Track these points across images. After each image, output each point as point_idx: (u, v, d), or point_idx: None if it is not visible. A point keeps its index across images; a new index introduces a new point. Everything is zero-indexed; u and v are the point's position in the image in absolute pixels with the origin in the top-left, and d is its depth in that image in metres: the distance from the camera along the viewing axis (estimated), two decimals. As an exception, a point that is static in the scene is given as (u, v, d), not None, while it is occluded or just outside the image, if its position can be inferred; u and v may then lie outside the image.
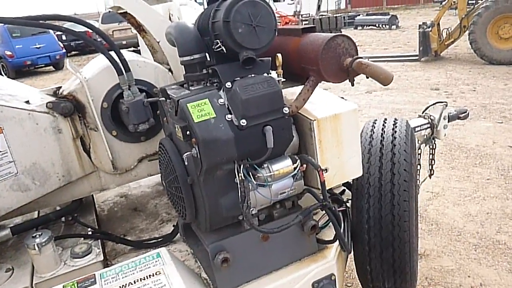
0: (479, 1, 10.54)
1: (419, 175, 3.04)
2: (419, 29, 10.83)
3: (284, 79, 1.67)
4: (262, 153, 1.40)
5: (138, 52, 2.68)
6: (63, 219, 2.12)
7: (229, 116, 1.38)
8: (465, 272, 3.00)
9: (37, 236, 1.69)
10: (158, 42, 2.04)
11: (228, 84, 1.41)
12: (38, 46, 16.86)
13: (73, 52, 22.18)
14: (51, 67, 17.95)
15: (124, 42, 17.12)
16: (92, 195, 2.45)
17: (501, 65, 9.60)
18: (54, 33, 18.35)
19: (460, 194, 4.11)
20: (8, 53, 16.29)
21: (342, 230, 1.70)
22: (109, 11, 20.89)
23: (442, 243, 3.35)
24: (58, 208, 2.16)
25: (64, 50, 17.99)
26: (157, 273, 1.49)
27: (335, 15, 22.57)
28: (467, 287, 2.85)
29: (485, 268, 3.02)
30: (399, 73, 10.00)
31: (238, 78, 1.44)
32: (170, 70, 2.10)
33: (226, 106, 1.40)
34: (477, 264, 3.06)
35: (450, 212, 3.79)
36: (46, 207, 2.08)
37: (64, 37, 21.30)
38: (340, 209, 1.96)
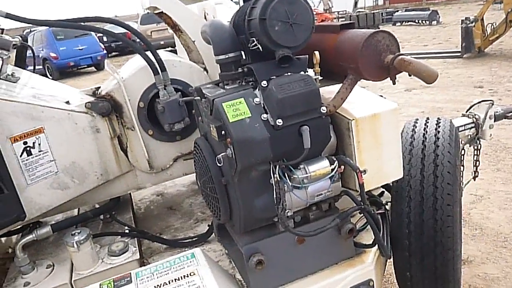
0: (527, -6, 10.00)
1: (462, 177, 2.90)
2: (461, 24, 10.42)
3: (322, 78, 1.61)
4: (298, 153, 1.36)
5: (175, 52, 2.69)
6: (101, 217, 2.17)
7: (265, 115, 1.35)
8: (511, 281, 2.83)
9: (76, 234, 1.73)
10: (194, 42, 2.04)
11: (264, 83, 1.37)
12: (80, 47, 17.50)
13: (113, 53, 22.84)
14: (93, 67, 18.58)
15: (162, 42, 17.45)
16: (130, 194, 2.49)
17: (550, 61, 9.08)
18: (96, 34, 18.99)
19: (506, 198, 3.90)
20: (53, 55, 16.99)
21: (381, 234, 1.64)
22: (147, 13, 21.40)
23: (487, 249, 3.19)
24: (96, 206, 2.21)
25: (105, 51, 18.57)
26: (192, 274, 1.48)
27: (372, 12, 22.14)
28: (514, 297, 2.71)
29: (534, 277, 2.85)
30: (440, 70, 9.60)
31: (274, 77, 1.40)
32: (205, 69, 2.09)
33: (262, 105, 1.37)
34: (525, 273, 2.90)
35: (495, 217, 3.60)
36: (85, 205, 2.13)
37: (105, 39, 21.99)
38: (379, 211, 1.89)
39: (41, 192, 1.76)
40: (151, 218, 2.39)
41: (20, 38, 2.11)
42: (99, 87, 2.14)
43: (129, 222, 2.12)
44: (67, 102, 1.89)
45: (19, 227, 1.94)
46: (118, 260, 1.79)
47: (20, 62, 2.33)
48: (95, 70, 18.47)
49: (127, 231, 1.99)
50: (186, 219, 2.30)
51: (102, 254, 1.84)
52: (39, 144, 1.73)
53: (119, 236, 1.97)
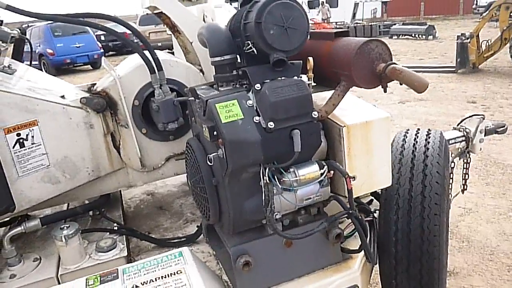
0: (522, 13, 10.15)
1: (451, 189, 2.94)
2: (457, 40, 10.55)
3: (315, 83, 1.64)
4: (289, 157, 1.38)
5: (173, 53, 2.71)
6: (90, 213, 2.17)
7: (257, 118, 1.37)
8: (496, 293, 2.87)
9: (65, 228, 1.73)
10: (191, 43, 2.06)
11: (258, 86, 1.39)
12: (77, 45, 17.45)
13: (111, 52, 22.80)
14: (89, 66, 18.51)
15: (159, 44, 17.46)
16: (120, 191, 2.49)
17: (543, 79, 9.21)
18: (94, 33, 18.97)
19: (494, 212, 3.94)
20: (50, 51, 16.92)
21: (368, 241, 1.66)
22: (146, 14, 21.41)
23: (473, 261, 3.22)
24: (86, 202, 2.20)
25: (102, 50, 18.53)
26: (178, 272, 1.49)
27: (370, 24, 22.35)
28: (498, 310, 2.73)
29: (519, 290, 2.88)
30: (434, 84, 9.74)
31: (268, 80, 1.42)
32: (201, 71, 2.11)
33: (255, 108, 1.39)
34: (510, 286, 2.92)
35: (483, 230, 3.64)
36: (74, 200, 2.12)
37: (102, 37, 21.96)
38: (367, 219, 1.91)
39: (31, 185, 1.76)
40: (140, 216, 2.39)
41: (19, 31, 2.12)
42: (95, 84, 2.14)
43: (118, 220, 2.12)
44: (62, 97, 1.89)
45: (6, 219, 1.93)
46: (106, 257, 1.79)
47: (17, 55, 2.33)
48: (91, 68, 18.42)
49: (116, 228, 1.99)
50: (176, 219, 2.31)
51: (90, 250, 1.84)
52: (32, 137, 1.73)
53: (108, 233, 1.97)
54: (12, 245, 1.77)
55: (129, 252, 1.91)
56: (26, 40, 2.36)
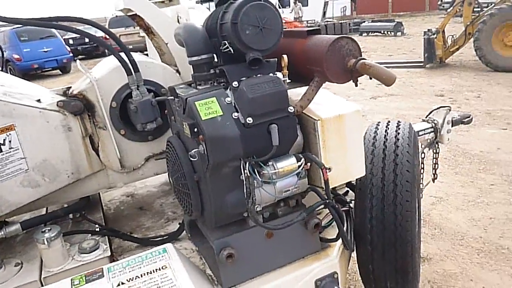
0: (484, 9, 10.56)
1: (422, 178, 3.06)
2: (424, 36, 10.87)
3: (290, 80, 1.70)
4: (268, 150, 1.44)
5: (146, 55, 2.73)
6: (70, 216, 2.17)
7: (236, 114, 1.42)
8: (467, 276, 3.01)
9: (46, 231, 1.73)
10: (167, 44, 2.09)
11: (235, 84, 1.45)
12: (45, 50, 17.04)
13: (80, 56, 22.38)
14: (58, 70, 18.10)
15: (130, 46, 17.19)
16: (99, 194, 2.50)
17: (506, 72, 9.60)
18: (62, 36, 18.56)
19: (463, 199, 4.12)
20: (16, 56, 16.46)
21: (344, 229, 1.73)
22: (116, 16, 21.12)
23: (445, 247, 3.37)
24: (65, 206, 2.20)
25: (71, 54, 18.16)
26: (163, 268, 1.52)
27: (340, 22, 22.72)
28: (470, 291, 2.87)
29: (488, 272, 3.03)
30: (403, 79, 10.02)
31: (244, 78, 1.48)
32: (178, 71, 2.14)
33: (233, 104, 1.44)
34: (479, 268, 3.07)
35: (454, 217, 3.81)
36: (55, 204, 2.12)
37: (71, 41, 21.52)
38: (343, 209, 1.99)
39: (11, 189, 1.75)
40: (121, 218, 2.40)
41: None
42: (70, 87, 2.14)
43: (100, 222, 2.13)
44: (38, 101, 1.89)
45: None
46: (89, 258, 1.80)
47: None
48: (61, 73, 18.01)
49: (97, 229, 2.00)
50: (157, 218, 2.33)
51: (72, 252, 1.84)
52: (10, 141, 1.73)
53: (89, 235, 1.98)
54: (-7, 250, 1.77)
55: (112, 253, 1.93)
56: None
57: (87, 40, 22.65)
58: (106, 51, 1.97)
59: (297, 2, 22.99)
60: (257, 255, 1.65)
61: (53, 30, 17.94)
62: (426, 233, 3.56)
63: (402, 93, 8.76)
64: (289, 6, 26.33)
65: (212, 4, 1.67)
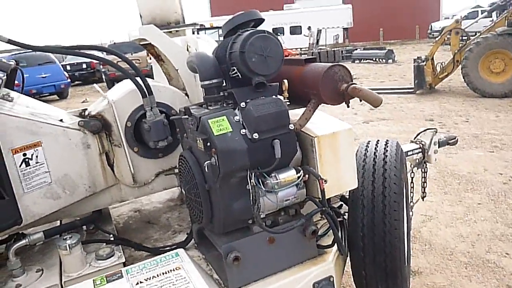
0: (470, 37, 11.01)
1: (412, 197, 3.26)
2: (414, 63, 11.28)
3: (289, 103, 1.92)
4: (271, 163, 1.64)
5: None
6: (84, 228, 2.33)
7: (244, 130, 1.63)
8: (456, 288, 3.17)
9: (68, 238, 1.89)
10: (177, 70, 2.31)
11: (243, 104, 1.66)
12: (43, 75, 17.27)
13: (76, 82, 22.69)
14: (56, 96, 18.31)
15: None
16: (108, 210, 2.66)
17: (493, 97, 9.97)
18: (60, 62, 18.85)
19: (452, 217, 4.31)
20: (15, 82, 16.63)
21: (339, 237, 1.91)
22: (114, 43, 21.54)
23: (435, 261, 3.53)
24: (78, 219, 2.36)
25: (68, 80, 18.43)
26: (177, 268, 1.69)
27: (333, 49, 23.33)
28: (458, 302, 3.03)
29: (475, 284, 3.19)
30: (394, 104, 10.35)
31: (250, 100, 1.69)
32: (186, 94, 2.35)
33: (241, 122, 1.65)
34: (467, 281, 3.24)
35: (443, 234, 3.98)
36: (70, 216, 2.28)
37: (68, 67, 21.84)
38: (338, 219, 2.18)
39: (35, 200, 1.92)
40: (130, 231, 2.56)
41: (14, 62, 2.31)
42: (86, 109, 2.35)
43: (113, 233, 2.29)
44: (61, 120, 2.09)
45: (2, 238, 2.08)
46: (105, 263, 1.95)
47: (10, 84, 2.50)
48: (58, 98, 18.22)
49: (112, 239, 2.16)
50: (164, 231, 2.49)
51: (89, 259, 2.00)
52: (37, 156, 1.91)
53: (104, 244, 2.14)
54: (17, 257, 1.92)
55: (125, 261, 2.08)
56: (18, 70, 2.54)
57: (84, 66, 23.18)
58: (104, 77, 2.18)
59: (311, 28, 24.15)
60: (260, 259, 1.82)
61: (51, 56, 18.34)
62: (416, 248, 3.73)
63: (393, 117, 9.05)
64: (300, 33, 28.02)
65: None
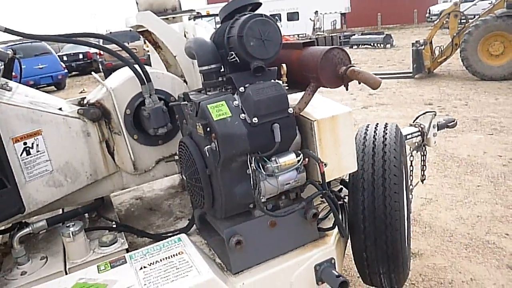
0: (469, 20, 10.95)
1: (412, 180, 3.27)
2: (412, 47, 11.22)
3: (288, 87, 1.92)
4: (271, 147, 1.64)
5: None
6: (86, 215, 2.35)
7: (243, 115, 1.63)
8: (456, 269, 3.20)
9: (71, 225, 1.91)
10: (175, 57, 2.30)
11: (242, 89, 1.66)
12: (40, 66, 17.21)
13: (74, 73, 22.59)
14: (53, 86, 18.25)
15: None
16: (110, 198, 2.68)
17: (492, 80, 9.95)
18: (56, 53, 18.76)
19: (452, 200, 4.33)
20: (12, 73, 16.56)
21: (340, 219, 1.93)
22: (110, 32, 21.38)
23: (435, 243, 3.57)
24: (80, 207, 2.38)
25: (66, 70, 18.35)
26: (180, 253, 1.71)
27: (330, 35, 23.18)
28: (458, 282, 3.06)
29: (475, 265, 3.23)
30: (393, 89, 10.33)
31: (249, 84, 1.69)
32: (185, 81, 2.35)
33: (240, 107, 1.65)
34: (467, 262, 3.27)
35: (443, 216, 4.01)
36: (72, 204, 2.30)
37: (65, 58, 21.74)
38: (339, 203, 2.19)
39: (38, 188, 1.93)
40: (132, 218, 2.58)
41: (12, 51, 2.30)
42: (84, 98, 2.35)
43: (115, 220, 2.31)
44: (60, 109, 2.09)
45: (2, 228, 2.09)
46: (109, 250, 1.97)
47: (8, 74, 2.50)
48: (56, 89, 18.17)
49: (114, 226, 2.18)
50: (166, 217, 2.51)
51: (92, 246, 2.02)
52: (37, 145, 1.92)
53: (107, 231, 2.15)
54: (21, 245, 1.94)
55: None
56: (15, 59, 2.53)
57: (81, 56, 23.07)
58: (101, 67, 2.18)
59: (318, 13, 24.07)
60: (262, 243, 1.84)
61: (48, 46, 18.24)
62: (417, 231, 3.76)
63: (392, 102, 9.05)
64: (298, 19, 27.75)
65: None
